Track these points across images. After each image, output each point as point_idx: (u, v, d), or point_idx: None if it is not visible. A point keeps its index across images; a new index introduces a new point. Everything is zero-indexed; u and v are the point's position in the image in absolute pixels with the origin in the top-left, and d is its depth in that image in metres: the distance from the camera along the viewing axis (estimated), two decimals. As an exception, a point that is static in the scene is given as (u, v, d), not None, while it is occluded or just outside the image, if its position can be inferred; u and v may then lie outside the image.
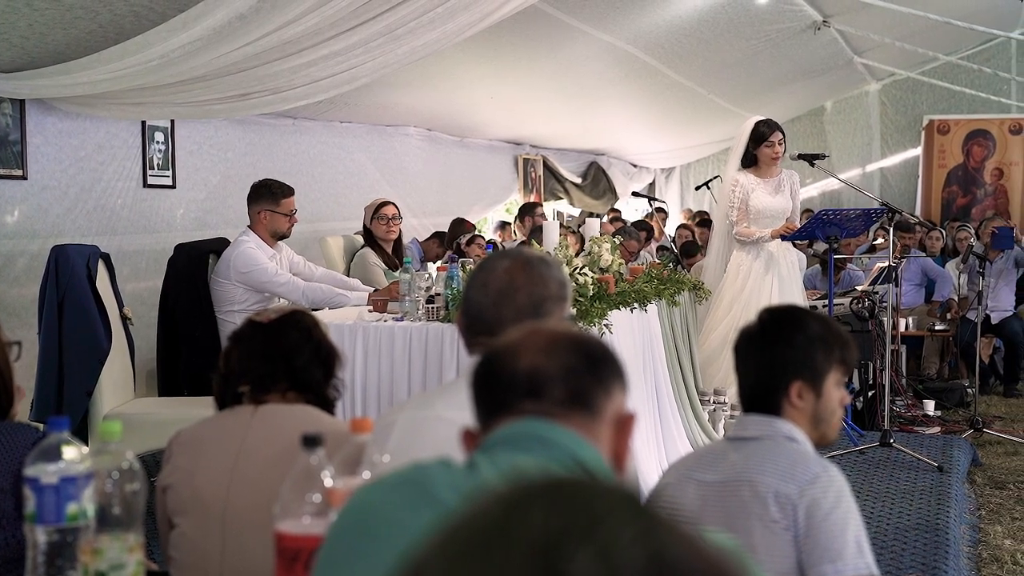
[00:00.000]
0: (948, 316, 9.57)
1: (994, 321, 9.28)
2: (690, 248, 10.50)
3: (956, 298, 9.61)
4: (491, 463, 1.42)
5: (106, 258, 5.20)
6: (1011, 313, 9.49)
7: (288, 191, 5.68)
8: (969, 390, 8.35)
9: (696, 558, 0.77)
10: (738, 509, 2.34)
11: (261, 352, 2.60)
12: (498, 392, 1.50)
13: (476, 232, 9.11)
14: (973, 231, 10.64)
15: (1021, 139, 14.72)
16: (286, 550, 1.83)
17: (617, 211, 13.36)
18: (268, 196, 5.63)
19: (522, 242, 8.05)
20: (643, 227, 10.67)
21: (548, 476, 0.83)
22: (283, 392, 2.60)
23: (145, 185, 6.62)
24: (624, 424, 1.53)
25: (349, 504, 1.52)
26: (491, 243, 8.30)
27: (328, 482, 1.86)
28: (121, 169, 6.43)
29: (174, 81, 5.35)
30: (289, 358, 2.60)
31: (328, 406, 2.67)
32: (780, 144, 7.05)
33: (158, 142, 6.71)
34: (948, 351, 9.73)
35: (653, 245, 11.19)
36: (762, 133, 7.05)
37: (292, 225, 5.71)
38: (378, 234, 6.70)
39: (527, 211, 10.19)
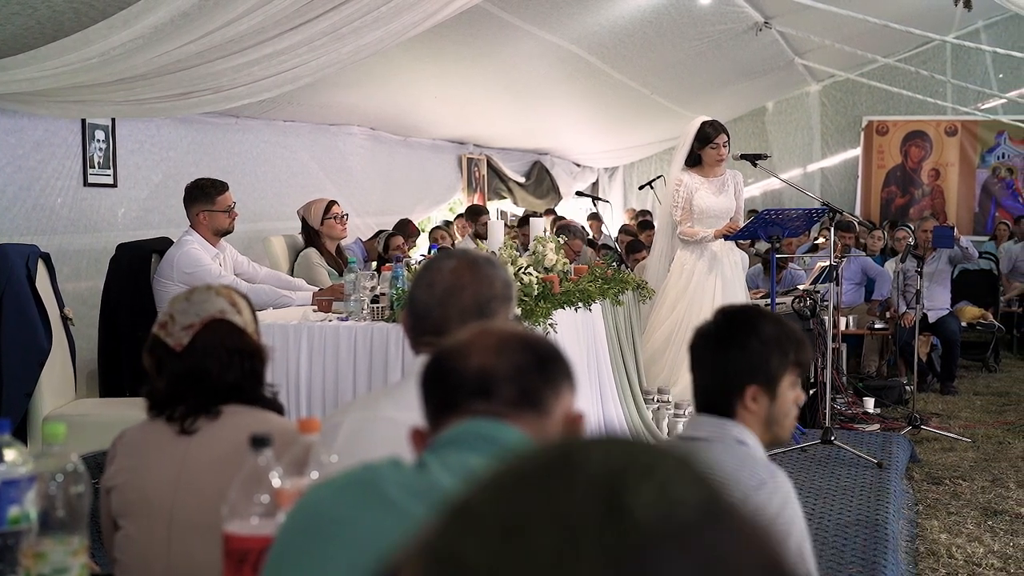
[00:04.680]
0: (887, 315, 9.70)
1: (931, 320, 9.42)
2: (634, 245, 10.57)
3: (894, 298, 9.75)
4: (441, 463, 1.43)
5: (46, 258, 5.13)
6: (947, 312, 9.64)
7: (221, 187, 5.64)
8: (907, 388, 8.47)
9: (744, 513, 0.78)
10: None
11: (184, 382, 2.49)
12: (448, 392, 1.51)
13: (389, 232, 9.11)
14: (911, 231, 10.80)
15: (956, 140, 14.98)
16: (234, 551, 1.82)
17: (552, 211, 13.38)
18: (202, 196, 5.59)
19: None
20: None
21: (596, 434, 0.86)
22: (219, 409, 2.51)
23: (86, 184, 6.53)
24: (573, 424, 1.54)
25: (299, 504, 1.52)
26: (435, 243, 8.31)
27: (276, 483, 1.85)
28: (61, 168, 6.34)
29: (115, 79, 5.29)
30: (216, 385, 2.49)
31: (276, 407, 2.62)
32: (725, 146, 7.11)
33: (99, 140, 6.62)
34: (887, 349, 9.86)
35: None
36: (707, 134, 7.10)
37: (233, 219, 5.67)
38: (333, 234, 6.66)
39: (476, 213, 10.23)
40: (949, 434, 7.39)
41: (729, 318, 2.46)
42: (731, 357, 2.40)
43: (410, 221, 9.53)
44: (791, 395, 2.43)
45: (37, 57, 4.90)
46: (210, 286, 2.64)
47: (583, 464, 0.78)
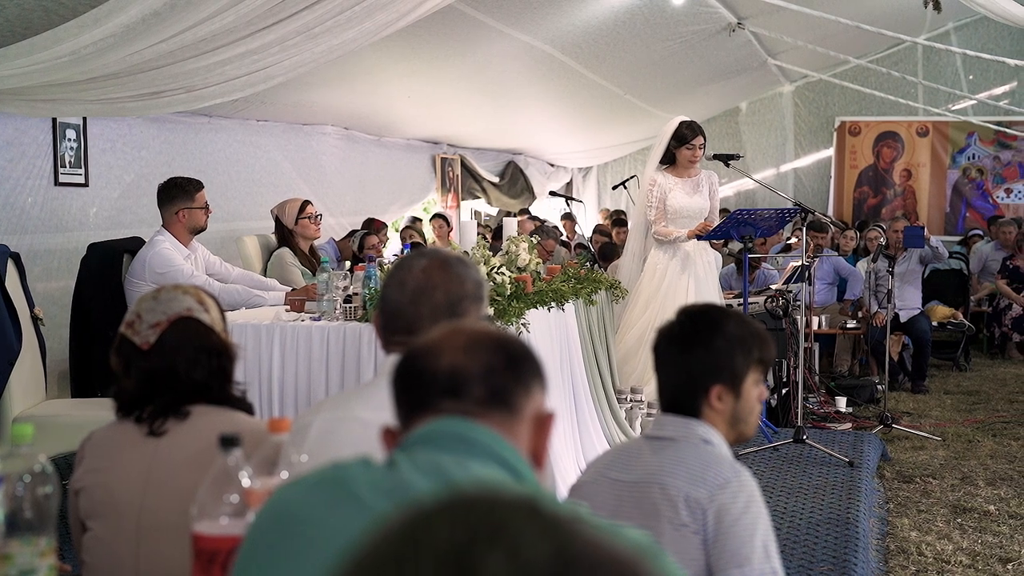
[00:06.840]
0: (859, 314, 9.76)
1: (902, 319, 9.48)
2: (608, 251, 10.57)
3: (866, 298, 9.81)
4: (411, 462, 1.43)
5: (16, 257, 5.10)
6: (918, 311, 9.70)
7: (198, 185, 5.68)
8: (879, 387, 8.52)
9: (600, 550, 0.79)
10: (650, 510, 2.34)
11: (152, 381, 2.47)
12: (418, 391, 1.51)
13: (367, 231, 9.12)
14: (883, 231, 10.85)
15: (928, 141, 15.07)
16: (203, 551, 1.82)
17: (527, 211, 13.40)
18: (182, 194, 5.58)
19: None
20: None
21: (445, 495, 0.84)
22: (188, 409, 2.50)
23: (56, 183, 6.49)
24: (543, 423, 1.55)
25: (268, 504, 1.51)
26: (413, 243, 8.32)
27: (246, 482, 1.85)
28: (31, 167, 6.30)
29: (86, 78, 5.25)
30: (184, 383, 2.48)
31: (245, 406, 2.60)
32: (700, 148, 7.14)
33: (70, 139, 6.58)
34: (859, 349, 9.92)
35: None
36: (684, 135, 7.13)
37: (208, 217, 5.70)
38: (307, 234, 6.64)
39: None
40: (920, 433, 7.44)
41: (692, 318, 2.47)
42: (696, 357, 2.41)
43: (375, 219, 9.57)
44: (755, 392, 2.45)
45: (7, 55, 4.86)
46: (178, 285, 2.63)
47: (429, 544, 0.78)
